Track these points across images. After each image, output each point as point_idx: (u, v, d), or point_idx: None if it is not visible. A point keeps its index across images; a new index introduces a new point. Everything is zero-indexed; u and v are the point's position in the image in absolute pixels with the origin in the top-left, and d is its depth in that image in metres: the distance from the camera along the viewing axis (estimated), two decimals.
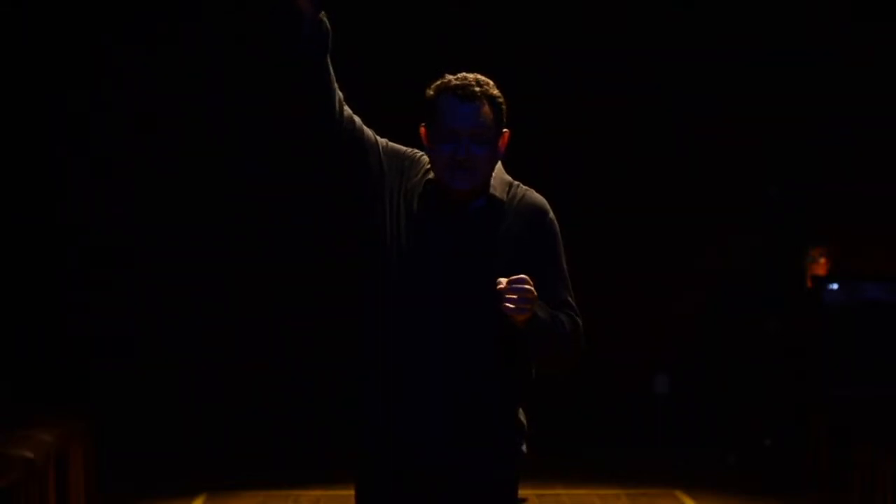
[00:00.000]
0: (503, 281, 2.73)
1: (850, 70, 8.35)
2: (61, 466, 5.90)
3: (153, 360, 8.25)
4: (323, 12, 2.86)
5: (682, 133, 8.49)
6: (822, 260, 7.81)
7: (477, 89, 2.90)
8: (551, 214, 3.00)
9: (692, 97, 8.44)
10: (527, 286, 2.72)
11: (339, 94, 2.92)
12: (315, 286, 8.18)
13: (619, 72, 8.42)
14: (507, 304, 2.72)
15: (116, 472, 7.04)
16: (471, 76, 2.94)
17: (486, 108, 2.91)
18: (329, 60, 2.88)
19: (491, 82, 2.95)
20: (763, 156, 8.44)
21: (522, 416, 3.01)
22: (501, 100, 2.95)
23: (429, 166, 3.00)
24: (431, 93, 2.95)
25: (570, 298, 2.95)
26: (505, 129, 2.98)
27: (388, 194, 2.96)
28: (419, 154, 3.05)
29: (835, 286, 7.66)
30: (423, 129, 2.98)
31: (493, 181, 2.97)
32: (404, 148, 3.06)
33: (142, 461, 7.58)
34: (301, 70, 2.85)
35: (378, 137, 3.01)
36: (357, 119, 2.96)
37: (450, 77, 2.95)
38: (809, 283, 7.93)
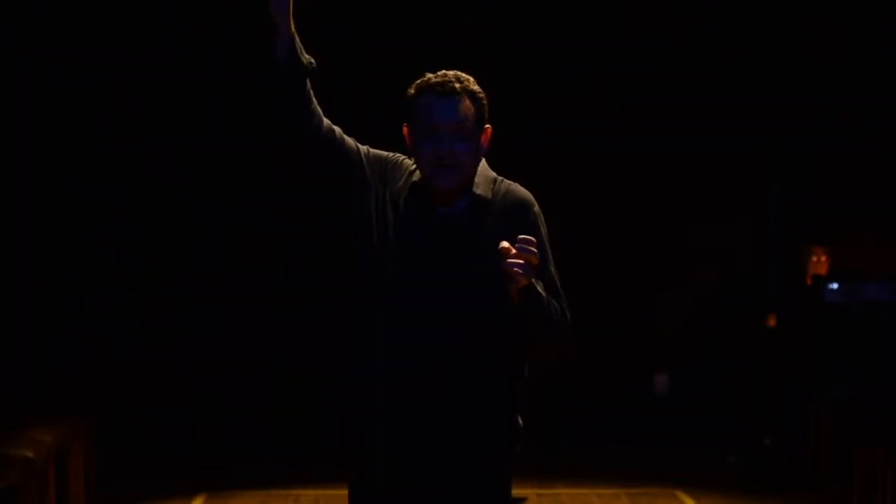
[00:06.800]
0: (506, 244, 2.71)
1: (851, 71, 8.36)
2: (61, 466, 5.90)
3: (153, 360, 8.26)
4: (305, 55, 2.86)
5: (683, 133, 8.50)
6: (824, 258, 7.82)
7: (457, 85, 2.90)
8: (536, 207, 2.99)
9: (693, 96, 8.45)
10: (532, 248, 2.71)
11: (319, 110, 2.92)
12: (315, 286, 8.18)
13: (619, 69, 8.43)
14: (513, 261, 2.69)
15: (116, 472, 7.04)
16: (451, 73, 2.93)
17: (467, 104, 2.90)
18: (308, 85, 2.88)
19: (471, 78, 2.95)
20: (765, 156, 8.45)
21: (519, 417, 3.01)
22: (482, 95, 2.95)
23: (412, 168, 3.00)
24: (412, 91, 2.95)
25: (559, 290, 2.95)
26: (487, 126, 2.98)
27: (373, 201, 2.96)
28: (401, 158, 3.05)
29: (835, 286, 7.66)
30: (405, 129, 2.98)
31: (477, 178, 2.97)
32: (386, 153, 3.06)
33: (142, 461, 7.58)
34: (278, 96, 2.86)
35: (360, 146, 3.01)
36: (337, 130, 2.96)
37: (430, 75, 2.94)
38: (809, 283, 7.93)
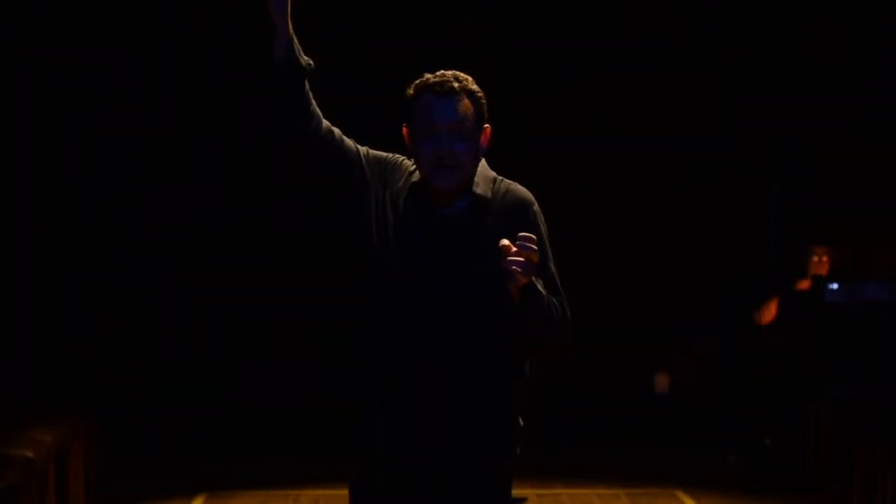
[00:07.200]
0: (506, 242, 2.69)
1: (851, 71, 8.36)
2: (61, 466, 5.90)
3: (153, 360, 8.26)
4: (304, 56, 2.86)
5: (683, 133, 8.50)
6: (825, 259, 7.81)
7: (455, 84, 2.90)
8: (536, 206, 2.98)
9: (693, 95, 8.45)
10: (532, 245, 2.69)
11: (318, 112, 2.91)
12: (315, 286, 8.18)
13: (619, 69, 8.43)
14: (514, 259, 2.67)
15: (116, 472, 7.04)
16: (449, 73, 2.94)
17: (466, 103, 2.90)
18: (307, 86, 2.88)
19: (470, 78, 2.95)
20: (765, 156, 8.45)
21: (519, 417, 3.01)
22: (481, 95, 2.95)
23: (412, 169, 3.00)
24: (411, 92, 2.94)
25: (559, 289, 2.93)
26: (486, 125, 2.97)
27: (373, 202, 2.96)
28: (401, 158, 3.05)
29: (835, 286, 7.65)
30: (405, 130, 2.97)
31: (477, 178, 2.97)
32: (385, 154, 3.05)
33: (142, 461, 7.58)
34: (277, 97, 2.86)
35: (359, 147, 3.01)
36: (336, 131, 2.96)
37: (428, 75, 2.94)
38: (809, 283, 7.93)
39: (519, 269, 2.69)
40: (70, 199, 8.28)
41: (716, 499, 6.87)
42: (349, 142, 2.99)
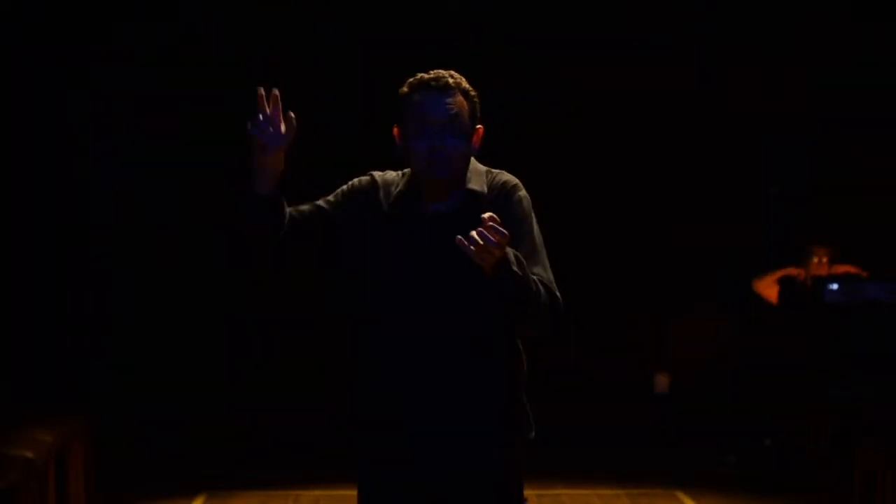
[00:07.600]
0: (488, 214, 2.64)
1: (852, 70, 8.36)
2: (61, 466, 5.90)
3: (153, 359, 8.26)
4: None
5: (683, 132, 8.50)
6: (825, 260, 7.81)
7: (450, 80, 2.91)
8: (521, 191, 2.97)
9: (692, 96, 8.45)
10: (498, 238, 2.62)
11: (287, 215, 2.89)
12: (315, 285, 8.18)
13: (619, 68, 8.43)
14: (476, 245, 2.61)
15: (116, 472, 7.04)
16: (444, 71, 2.94)
17: (460, 100, 2.91)
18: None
19: (464, 78, 2.95)
20: (765, 156, 8.45)
21: (525, 402, 3.00)
22: (475, 94, 2.95)
23: (388, 177, 2.99)
24: (405, 89, 2.94)
25: (544, 272, 2.88)
26: (479, 126, 2.97)
27: (358, 230, 2.95)
28: (365, 179, 3.01)
29: (835, 286, 7.65)
30: (396, 130, 2.96)
31: (469, 174, 2.96)
32: (350, 184, 3.02)
33: (142, 461, 7.58)
34: (251, 222, 2.87)
35: (319, 206, 2.97)
36: (297, 216, 2.92)
37: (422, 74, 2.95)
38: (809, 283, 7.93)
39: (475, 252, 2.63)
40: (70, 199, 8.28)
41: (716, 499, 6.87)
42: (308, 210, 2.96)
